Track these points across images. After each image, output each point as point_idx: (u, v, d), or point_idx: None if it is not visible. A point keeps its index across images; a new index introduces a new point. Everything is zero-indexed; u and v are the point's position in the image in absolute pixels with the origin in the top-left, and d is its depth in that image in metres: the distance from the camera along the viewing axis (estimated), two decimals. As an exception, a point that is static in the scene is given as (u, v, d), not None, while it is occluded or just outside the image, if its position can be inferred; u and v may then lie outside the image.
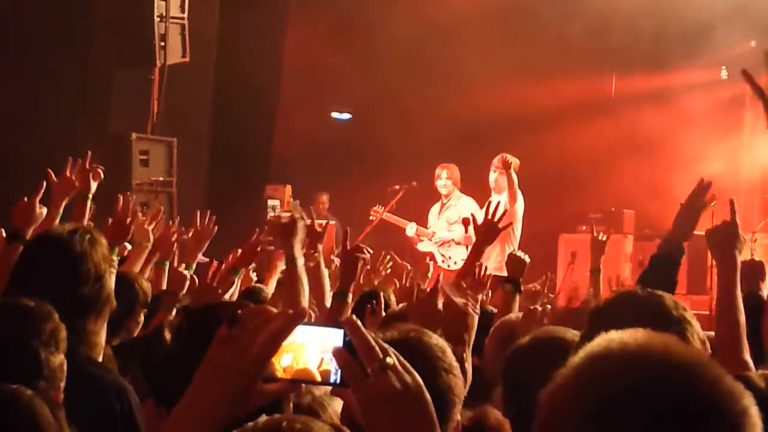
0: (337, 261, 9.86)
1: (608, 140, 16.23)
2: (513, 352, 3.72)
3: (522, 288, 6.93)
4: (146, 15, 13.57)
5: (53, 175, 5.93)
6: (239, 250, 8.32)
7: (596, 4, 15.78)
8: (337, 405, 3.39)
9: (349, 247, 5.84)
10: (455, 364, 2.95)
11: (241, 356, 1.90)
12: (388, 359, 1.88)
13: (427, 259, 13.15)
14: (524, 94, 16.07)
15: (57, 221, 5.71)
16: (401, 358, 1.91)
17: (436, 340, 3.00)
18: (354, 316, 1.91)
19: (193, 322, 2.82)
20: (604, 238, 8.57)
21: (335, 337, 1.91)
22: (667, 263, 4.91)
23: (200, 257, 14.08)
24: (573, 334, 3.62)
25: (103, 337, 4.25)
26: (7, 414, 2.90)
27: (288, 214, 15.11)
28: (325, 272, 5.94)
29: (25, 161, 13.09)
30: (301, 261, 5.53)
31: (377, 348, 1.89)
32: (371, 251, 6.13)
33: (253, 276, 8.72)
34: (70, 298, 4.03)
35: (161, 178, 13.87)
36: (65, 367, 3.57)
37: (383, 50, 16.53)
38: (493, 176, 12.62)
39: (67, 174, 6.00)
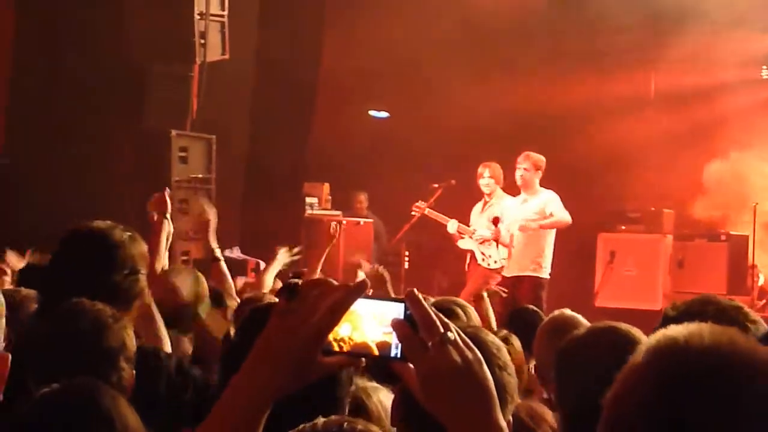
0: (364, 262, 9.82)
1: (648, 138, 16.14)
2: (567, 344, 3.69)
3: None
4: (186, 12, 13.60)
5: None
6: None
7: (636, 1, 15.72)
8: (382, 395, 3.40)
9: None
10: (510, 362, 2.94)
11: (301, 328, 1.88)
12: (449, 333, 1.87)
13: (468, 257, 13.13)
14: (565, 91, 16.01)
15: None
16: (462, 334, 1.90)
17: (492, 337, 3.00)
18: (416, 290, 1.89)
19: (261, 316, 2.81)
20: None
21: (396, 310, 1.90)
22: None
23: (238, 254, 14.18)
24: (628, 327, 3.59)
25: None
26: (93, 410, 2.91)
27: (326, 212, 15.15)
28: None
29: (65, 157, 13.18)
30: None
31: (438, 322, 1.88)
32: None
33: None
34: (102, 283, 4.09)
35: (200, 175, 13.91)
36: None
37: (420, 47, 16.51)
38: (518, 173, 12.62)
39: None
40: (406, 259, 15.44)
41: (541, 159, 12.64)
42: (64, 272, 4.16)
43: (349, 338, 1.91)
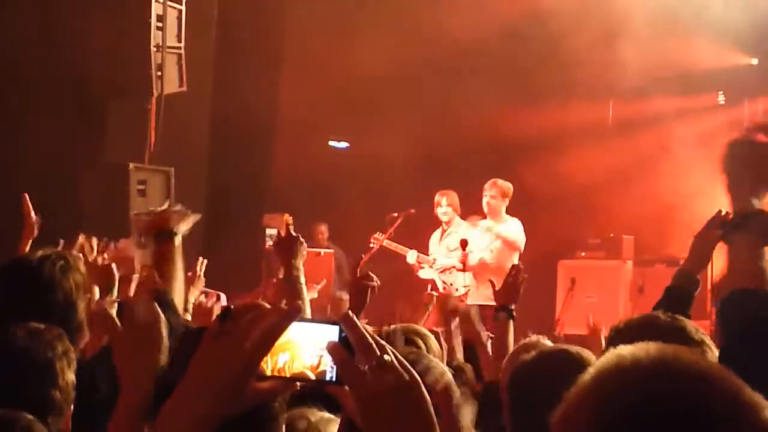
0: (345, 296, 9.79)
1: (606, 166, 16.23)
2: (518, 367, 3.70)
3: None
4: (143, 45, 13.57)
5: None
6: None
7: (592, 31, 15.80)
8: (334, 429, 3.36)
9: (358, 276, 5.80)
10: (455, 389, 2.94)
11: (234, 352, 1.84)
12: (386, 356, 1.84)
13: (429, 287, 13.13)
14: (523, 120, 16.09)
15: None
16: (398, 355, 1.87)
17: (436, 362, 3.00)
18: (350, 312, 1.87)
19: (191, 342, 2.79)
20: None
21: (331, 333, 1.87)
22: (680, 295, 4.86)
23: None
24: (578, 349, 3.60)
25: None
26: None
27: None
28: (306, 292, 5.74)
29: (23, 190, 13.08)
30: (302, 279, 5.45)
31: (374, 344, 1.85)
32: (378, 282, 6.09)
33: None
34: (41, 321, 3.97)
35: (159, 208, 13.84)
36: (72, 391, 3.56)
37: (379, 78, 16.54)
38: (485, 200, 12.63)
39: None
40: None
41: (509, 186, 12.65)
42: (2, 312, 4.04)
43: (287, 366, 1.88)
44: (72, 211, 13.35)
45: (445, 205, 13.14)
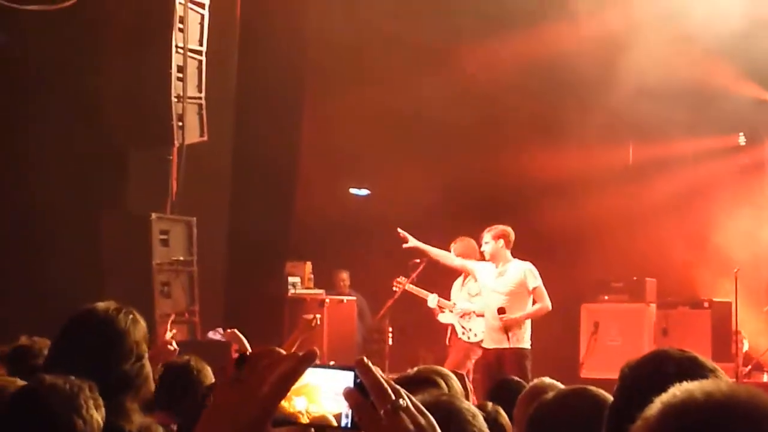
0: None
1: (628, 208, 16.22)
2: (538, 407, 3.69)
3: None
4: (163, 95, 13.66)
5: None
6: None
7: (614, 72, 15.85)
8: None
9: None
10: (485, 429, 2.94)
11: (250, 397, 1.84)
12: (401, 400, 1.84)
13: (449, 330, 13.13)
14: (545, 163, 16.09)
15: None
16: (413, 399, 1.87)
17: (467, 404, 3.00)
18: (365, 357, 1.88)
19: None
20: None
21: (346, 379, 1.87)
22: None
23: (221, 336, 14.12)
24: (596, 389, 3.59)
25: (140, 418, 4.25)
26: None
27: (309, 292, 15.14)
28: None
29: (48, 243, 13.14)
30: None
31: (389, 389, 1.85)
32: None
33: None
34: (111, 373, 4.03)
35: (181, 258, 13.89)
36: None
37: (400, 124, 16.61)
38: (483, 249, 12.54)
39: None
40: (390, 335, 15.42)
41: (504, 229, 12.47)
42: (69, 360, 4.07)
43: (306, 411, 1.88)
44: (94, 261, 13.42)
45: (468, 252, 13.11)
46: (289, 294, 15.01)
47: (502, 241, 12.42)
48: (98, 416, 3.58)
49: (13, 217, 13.23)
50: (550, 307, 12.30)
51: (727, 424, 1.63)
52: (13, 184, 13.31)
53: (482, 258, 12.87)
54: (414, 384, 4.69)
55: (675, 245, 15.92)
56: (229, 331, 5.88)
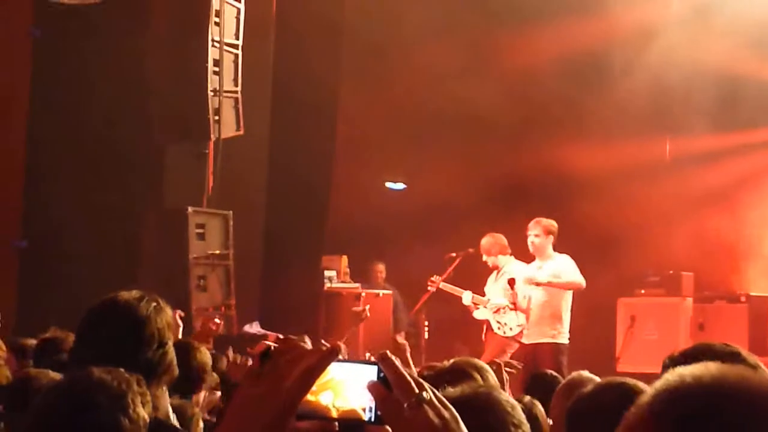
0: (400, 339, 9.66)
1: (665, 202, 16.14)
2: (576, 401, 3.68)
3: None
4: (200, 89, 13.71)
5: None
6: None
7: (650, 66, 15.81)
8: None
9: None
10: (524, 420, 2.94)
11: (274, 391, 1.85)
12: (425, 393, 1.85)
13: (484, 328, 13.12)
14: (581, 158, 16.02)
15: None
16: (437, 393, 1.88)
17: (506, 396, 3.01)
18: (388, 351, 1.89)
19: None
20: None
21: (369, 373, 1.88)
22: None
23: (258, 329, 14.19)
24: (635, 381, 3.59)
25: (166, 402, 4.28)
26: None
27: (345, 285, 15.16)
28: None
29: (86, 238, 13.21)
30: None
31: (413, 382, 1.86)
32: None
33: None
34: (133, 361, 4.01)
35: (218, 251, 13.94)
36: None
37: (436, 118, 16.59)
38: (529, 240, 12.59)
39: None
40: (426, 329, 15.41)
41: (552, 224, 12.60)
42: (91, 349, 4.13)
43: (333, 405, 1.89)
44: (132, 254, 13.51)
45: (485, 255, 13.21)
46: (325, 288, 15.02)
47: (551, 237, 12.50)
48: (144, 413, 3.59)
49: (51, 211, 13.31)
50: (583, 286, 12.38)
51: (717, 407, 1.63)
52: (52, 177, 13.39)
53: (511, 253, 13.01)
54: (449, 376, 4.71)
55: (712, 239, 15.84)
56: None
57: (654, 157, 16.97)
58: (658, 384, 1.72)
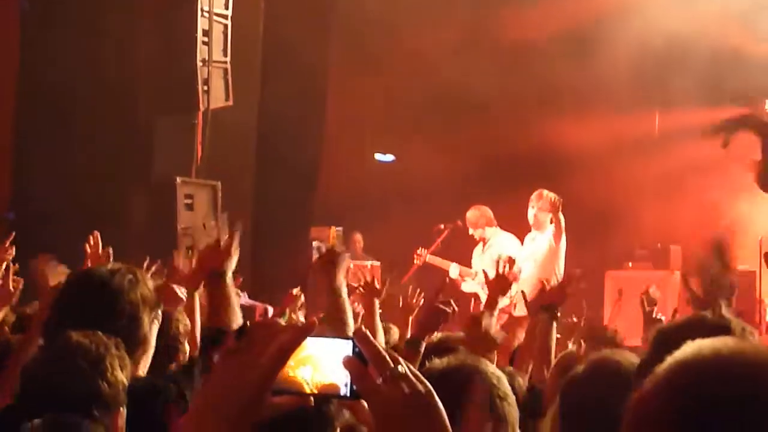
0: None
1: (653, 176, 16.18)
2: (569, 380, 3.70)
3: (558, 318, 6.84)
4: (189, 60, 13.66)
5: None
6: (294, 291, 8.21)
7: (640, 40, 15.78)
8: None
9: (438, 299, 5.80)
10: (510, 392, 2.96)
11: (250, 367, 1.87)
12: (400, 367, 1.87)
13: (472, 300, 13.13)
14: (568, 132, 16.03)
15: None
16: (411, 367, 1.90)
17: (492, 368, 3.02)
18: (363, 327, 1.90)
19: None
20: None
21: (345, 347, 1.90)
22: None
23: (246, 300, 14.17)
24: (628, 359, 3.59)
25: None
26: None
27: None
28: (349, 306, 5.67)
29: (75, 210, 13.17)
30: (345, 292, 5.42)
31: (388, 357, 1.88)
32: (456, 309, 6.02)
33: (300, 316, 8.68)
34: (104, 333, 3.95)
35: (206, 222, 13.91)
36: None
37: (425, 91, 16.57)
38: (531, 212, 12.58)
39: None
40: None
41: (556, 197, 12.54)
42: (66, 320, 4.08)
43: (309, 380, 1.91)
44: (120, 225, 13.45)
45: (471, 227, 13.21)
46: (314, 259, 15.01)
47: (554, 212, 12.44)
48: (123, 377, 3.60)
49: (39, 183, 13.26)
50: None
51: (733, 379, 1.67)
52: (41, 149, 13.33)
53: (497, 225, 13.03)
54: (440, 350, 4.72)
55: (699, 213, 15.86)
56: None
57: (643, 131, 16.99)
58: (676, 354, 1.75)
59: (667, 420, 1.68)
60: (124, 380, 3.61)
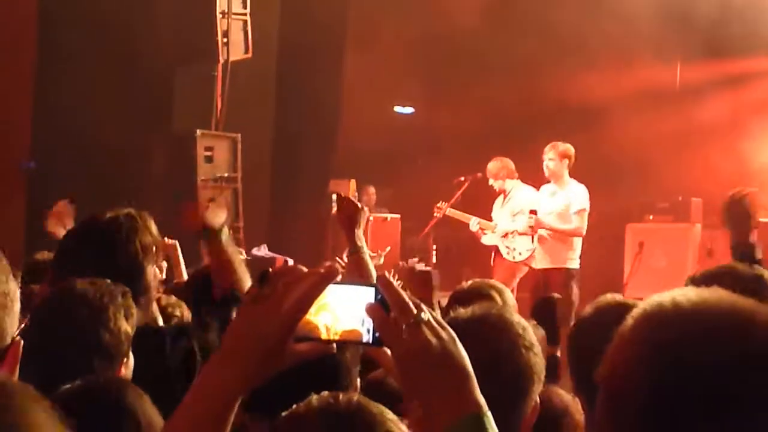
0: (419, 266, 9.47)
1: (674, 128, 16.06)
2: (576, 324, 3.67)
3: None
4: (208, 12, 13.63)
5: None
6: None
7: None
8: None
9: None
10: (536, 342, 2.93)
11: (272, 314, 1.87)
12: (423, 314, 1.87)
13: (492, 254, 13.11)
14: (590, 83, 15.93)
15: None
16: (434, 313, 1.90)
17: (518, 318, 2.99)
18: (387, 273, 1.89)
19: None
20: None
21: (367, 294, 1.90)
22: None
23: (266, 252, 14.18)
24: (635, 302, 3.56)
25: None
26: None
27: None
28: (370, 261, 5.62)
29: (93, 160, 13.18)
30: (365, 248, 5.39)
31: (411, 304, 1.87)
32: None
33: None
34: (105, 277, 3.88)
35: (226, 174, 13.92)
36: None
37: (444, 44, 16.50)
38: (545, 164, 12.51)
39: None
40: (434, 254, 15.41)
41: (569, 148, 12.46)
42: (70, 265, 4.08)
43: (331, 327, 1.91)
44: (141, 177, 13.48)
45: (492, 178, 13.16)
46: (333, 212, 15.01)
47: (567, 161, 12.39)
48: (127, 326, 3.55)
49: (59, 133, 13.26)
50: (584, 233, 12.31)
51: (697, 333, 1.67)
52: (61, 100, 13.31)
53: (518, 177, 12.98)
54: (469, 297, 4.69)
55: (721, 165, 15.77)
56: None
57: (664, 82, 16.88)
58: (635, 311, 1.75)
59: (634, 369, 1.70)
60: (128, 329, 3.56)
